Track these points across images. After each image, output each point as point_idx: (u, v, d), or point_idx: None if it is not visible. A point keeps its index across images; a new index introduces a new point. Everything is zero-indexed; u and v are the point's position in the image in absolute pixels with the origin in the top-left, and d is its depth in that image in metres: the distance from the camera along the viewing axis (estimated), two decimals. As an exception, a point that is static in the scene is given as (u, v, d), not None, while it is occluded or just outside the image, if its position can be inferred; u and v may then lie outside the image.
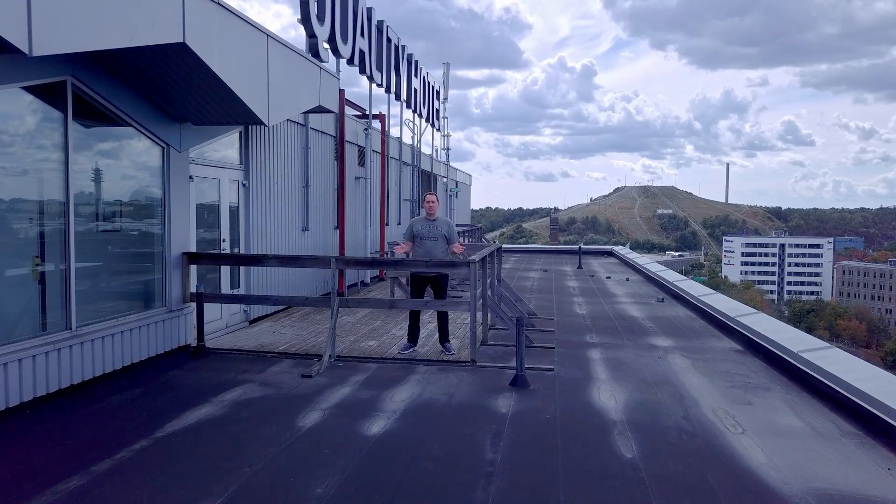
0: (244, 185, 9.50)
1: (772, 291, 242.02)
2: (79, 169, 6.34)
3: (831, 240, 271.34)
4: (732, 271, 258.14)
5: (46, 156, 5.98)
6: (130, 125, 6.97)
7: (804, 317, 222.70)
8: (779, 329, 8.39)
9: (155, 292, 7.56)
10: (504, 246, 29.26)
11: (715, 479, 4.39)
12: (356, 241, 14.39)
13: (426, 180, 22.06)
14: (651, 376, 7.15)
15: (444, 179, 25.73)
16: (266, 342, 8.41)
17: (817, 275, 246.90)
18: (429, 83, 20.97)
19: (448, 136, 26.24)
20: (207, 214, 8.75)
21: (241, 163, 9.51)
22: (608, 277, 17.73)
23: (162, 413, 5.59)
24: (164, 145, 7.53)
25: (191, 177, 8.08)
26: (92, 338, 6.36)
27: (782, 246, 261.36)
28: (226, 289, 9.09)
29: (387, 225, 16.23)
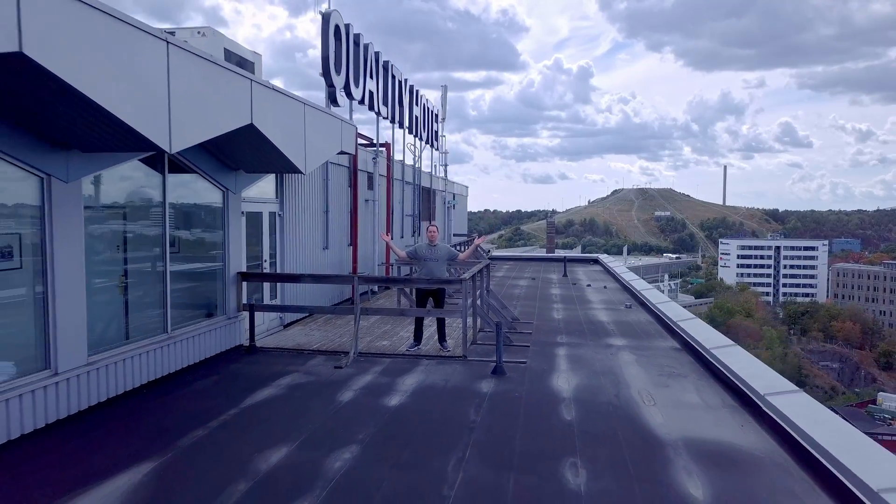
0: (280, 215, 11.69)
1: (767, 293, 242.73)
2: (170, 212, 8.54)
3: (826, 242, 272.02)
4: (728, 273, 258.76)
5: (152, 202, 8.18)
6: (202, 176, 9.17)
7: (799, 318, 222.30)
8: (704, 330, 10.58)
9: (218, 304, 9.75)
10: (496, 254, 31.46)
11: (623, 434, 6.58)
12: (366, 256, 16.58)
13: (426, 196, 24.25)
14: (600, 368, 9.34)
15: (443, 193, 27.93)
16: (301, 342, 10.61)
17: (812, 277, 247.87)
18: (428, 109, 23.18)
19: (446, 153, 28.43)
20: (254, 239, 10.94)
21: (276, 196, 11.70)
22: (588, 285, 19.93)
23: (239, 392, 7.78)
24: (223, 189, 9.72)
25: (242, 212, 10.27)
26: (180, 339, 8.55)
27: (778, 248, 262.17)
28: (267, 298, 11.27)
29: (391, 240, 18.40)
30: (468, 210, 37.27)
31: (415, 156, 21.50)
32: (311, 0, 13.56)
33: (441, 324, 10.41)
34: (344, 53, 14.03)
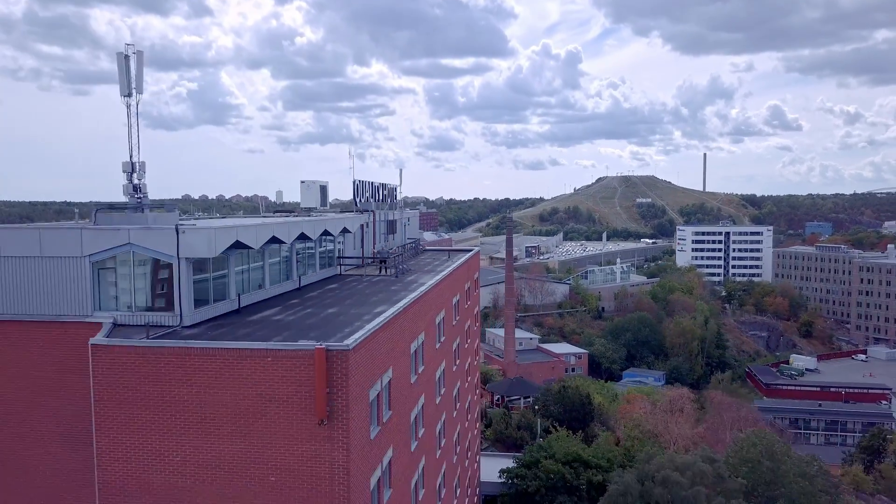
0: (345, 239, 44.19)
1: (718, 275, 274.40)
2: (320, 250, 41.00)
3: (770, 227, 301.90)
4: (683, 257, 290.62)
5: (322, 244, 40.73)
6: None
7: (737, 294, 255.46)
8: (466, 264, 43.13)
9: (333, 261, 42.27)
10: (428, 248, 64.39)
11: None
12: (367, 251, 49.03)
13: (391, 224, 56.67)
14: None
15: (402, 220, 60.48)
16: (357, 273, 43.19)
17: (758, 259, 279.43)
18: (392, 190, 55.56)
19: (401, 201, 60.76)
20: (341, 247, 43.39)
21: (343, 236, 44.13)
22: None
23: (344, 277, 40.30)
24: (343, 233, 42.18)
25: (355, 236, 42.77)
26: (328, 271, 41.10)
27: (727, 234, 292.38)
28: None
29: (376, 244, 50.85)
30: (461, 199, 68.92)
31: (385, 210, 54.10)
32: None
33: (385, 268, 43.02)
34: (360, 190, 46.33)
